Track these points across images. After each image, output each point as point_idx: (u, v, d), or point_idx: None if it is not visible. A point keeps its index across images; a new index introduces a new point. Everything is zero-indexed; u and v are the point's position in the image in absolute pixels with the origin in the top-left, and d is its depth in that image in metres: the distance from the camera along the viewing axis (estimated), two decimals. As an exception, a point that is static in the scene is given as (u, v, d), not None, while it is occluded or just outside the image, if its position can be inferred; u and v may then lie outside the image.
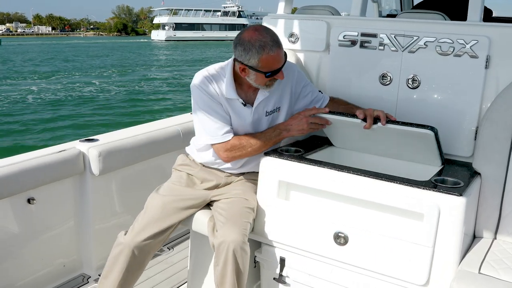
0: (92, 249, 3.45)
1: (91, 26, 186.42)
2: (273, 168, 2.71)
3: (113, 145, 3.37)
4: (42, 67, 40.00)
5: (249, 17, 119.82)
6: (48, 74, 34.55)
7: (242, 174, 2.96)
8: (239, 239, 2.56)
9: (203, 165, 2.95)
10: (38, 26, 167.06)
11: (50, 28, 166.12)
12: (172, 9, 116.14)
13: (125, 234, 2.73)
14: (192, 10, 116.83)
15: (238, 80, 2.77)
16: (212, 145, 2.78)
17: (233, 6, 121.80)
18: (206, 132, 2.76)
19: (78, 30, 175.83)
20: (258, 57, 2.56)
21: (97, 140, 3.39)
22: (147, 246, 2.69)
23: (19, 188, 2.99)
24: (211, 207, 2.89)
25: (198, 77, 2.76)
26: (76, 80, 30.96)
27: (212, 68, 2.81)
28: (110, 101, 23.05)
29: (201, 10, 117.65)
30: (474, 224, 2.68)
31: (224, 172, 2.94)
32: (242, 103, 2.78)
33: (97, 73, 34.53)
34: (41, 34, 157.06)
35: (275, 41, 2.58)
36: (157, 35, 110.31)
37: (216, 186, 2.91)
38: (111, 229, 3.48)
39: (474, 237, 2.70)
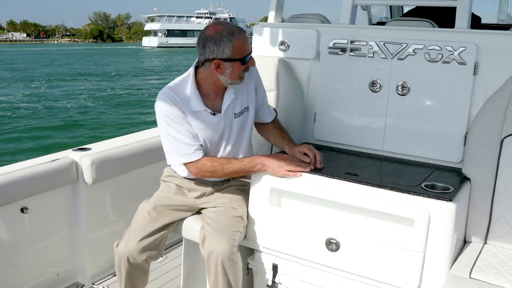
0: (86, 258, 3.45)
1: (67, 33, 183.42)
2: (264, 176, 2.73)
3: (106, 154, 3.37)
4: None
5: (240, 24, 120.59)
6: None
7: (228, 181, 2.95)
8: (227, 249, 2.54)
9: (185, 178, 2.92)
10: (12, 32, 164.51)
11: (24, 35, 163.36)
12: (164, 15, 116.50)
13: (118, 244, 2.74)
14: (183, 16, 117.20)
15: (201, 90, 2.72)
16: (183, 163, 2.76)
17: (225, 13, 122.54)
18: (175, 151, 2.74)
19: (53, 37, 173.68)
20: (230, 44, 2.54)
21: (89, 149, 3.40)
22: (142, 251, 2.68)
23: (12, 197, 2.99)
24: (201, 215, 2.89)
25: (160, 97, 2.69)
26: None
27: (173, 84, 2.75)
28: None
29: (193, 16, 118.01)
30: (464, 229, 2.70)
31: (209, 181, 2.91)
32: (211, 112, 2.74)
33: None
34: (15, 40, 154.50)
35: (238, 27, 2.61)
36: (149, 42, 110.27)
37: (203, 195, 2.91)
38: (104, 238, 3.49)
39: (465, 242, 2.72)
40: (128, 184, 3.65)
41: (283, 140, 2.94)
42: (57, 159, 3.22)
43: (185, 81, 2.72)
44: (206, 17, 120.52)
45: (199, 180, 2.89)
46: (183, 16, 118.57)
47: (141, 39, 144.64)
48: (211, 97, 2.76)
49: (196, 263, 3.03)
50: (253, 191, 2.79)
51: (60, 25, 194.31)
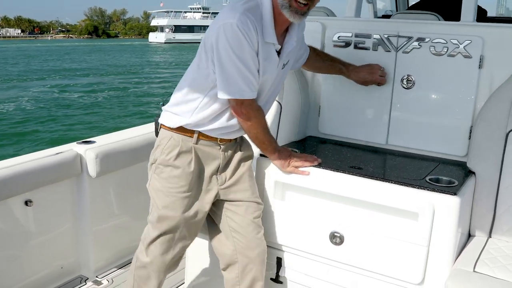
0: (90, 251, 3.46)
1: (62, 29, 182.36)
2: (269, 169, 2.73)
3: (110, 147, 3.38)
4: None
5: None
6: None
7: (236, 144, 2.69)
8: (262, 256, 2.65)
9: (200, 133, 2.53)
10: (7, 28, 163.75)
11: (19, 31, 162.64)
12: (171, 11, 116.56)
13: (145, 254, 2.61)
14: (191, 12, 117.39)
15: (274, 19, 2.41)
16: (236, 99, 2.41)
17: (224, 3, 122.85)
18: (233, 85, 2.36)
19: (48, 33, 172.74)
20: None
21: (94, 142, 3.41)
22: (172, 265, 2.66)
23: (16, 190, 3.00)
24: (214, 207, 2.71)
25: (241, 20, 2.26)
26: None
27: (248, 7, 2.33)
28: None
29: (200, 11, 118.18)
30: (469, 223, 2.70)
31: (220, 142, 2.59)
32: (276, 50, 2.47)
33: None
34: (9, 36, 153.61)
35: None
36: (156, 38, 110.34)
37: (218, 169, 2.62)
38: (109, 231, 3.50)
39: (469, 235, 2.72)
40: (132, 178, 3.65)
41: (335, 64, 2.99)
42: (61, 152, 3.23)
43: (260, 6, 2.37)
44: (203, 12, 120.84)
45: (211, 144, 2.57)
46: (180, 12, 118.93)
47: (137, 35, 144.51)
48: (277, 31, 2.45)
49: (200, 256, 3.04)
50: (258, 184, 2.79)
51: (55, 21, 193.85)
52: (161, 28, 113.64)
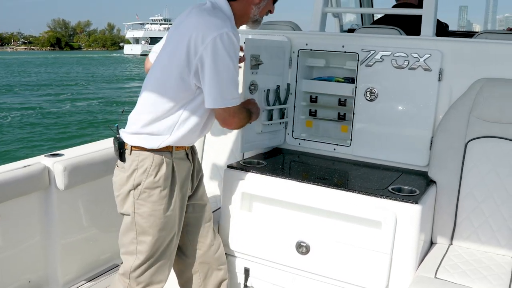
0: (58, 264, 3.43)
1: (25, 40, 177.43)
2: (236, 180, 2.77)
3: (79, 160, 3.37)
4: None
5: None
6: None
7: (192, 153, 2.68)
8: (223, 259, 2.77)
9: (176, 148, 2.50)
10: None
11: None
12: (147, 23, 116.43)
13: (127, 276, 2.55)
14: (155, 23, 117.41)
15: None
16: (224, 109, 2.40)
17: None
18: (227, 93, 2.37)
19: (9, 44, 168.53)
20: None
21: (62, 155, 3.39)
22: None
23: None
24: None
25: (232, 26, 2.39)
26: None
27: (222, 21, 2.37)
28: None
29: (159, 23, 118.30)
30: (431, 230, 2.78)
31: (187, 150, 2.60)
32: None
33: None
34: None
35: None
36: (131, 50, 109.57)
37: (191, 175, 2.64)
38: (77, 244, 3.48)
39: (432, 243, 2.80)
40: (102, 190, 3.64)
41: None
42: (29, 165, 3.20)
43: (225, 17, 2.43)
44: (161, 23, 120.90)
45: (183, 154, 2.56)
46: (143, 23, 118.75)
47: (101, 47, 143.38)
48: None
49: None
50: (225, 195, 2.83)
51: (17, 32, 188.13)
52: (136, 40, 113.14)
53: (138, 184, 2.44)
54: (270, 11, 2.62)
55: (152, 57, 2.83)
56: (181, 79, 2.37)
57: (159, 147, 2.42)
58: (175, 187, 2.50)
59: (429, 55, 2.90)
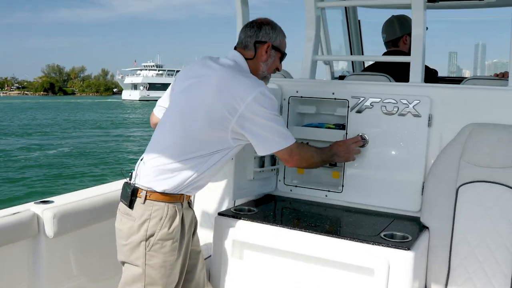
0: (46, 314, 3.36)
1: (19, 85, 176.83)
2: (227, 228, 2.75)
3: (69, 207, 3.34)
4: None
5: None
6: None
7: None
8: None
9: (186, 197, 2.54)
10: None
11: None
12: (152, 66, 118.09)
13: None
14: (145, 69, 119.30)
15: None
16: (289, 147, 2.51)
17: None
18: (280, 136, 2.49)
19: (2, 89, 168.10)
20: (282, 35, 2.70)
21: (52, 202, 3.37)
22: None
23: None
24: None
25: (268, 90, 2.49)
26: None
27: (244, 72, 2.59)
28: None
29: (173, 70, 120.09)
30: (425, 277, 2.75)
31: (188, 200, 2.63)
32: None
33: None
34: None
35: None
36: (130, 95, 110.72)
37: (193, 225, 2.70)
38: (66, 293, 3.42)
39: None
40: (92, 238, 3.60)
41: None
42: (18, 212, 3.18)
43: (245, 71, 2.63)
44: (152, 70, 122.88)
45: (187, 201, 2.59)
46: (136, 70, 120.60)
47: (94, 92, 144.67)
48: None
49: None
50: (216, 243, 2.80)
51: (11, 77, 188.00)
52: (134, 86, 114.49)
53: (151, 235, 2.42)
54: (278, 69, 2.78)
55: (158, 112, 2.85)
56: (216, 134, 2.45)
57: (180, 189, 2.45)
58: (184, 237, 2.51)
59: (418, 101, 2.93)
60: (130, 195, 2.46)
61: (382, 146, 3.07)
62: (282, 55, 2.73)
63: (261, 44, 2.64)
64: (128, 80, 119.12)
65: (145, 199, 2.43)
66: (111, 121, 50.35)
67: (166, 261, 2.43)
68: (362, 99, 3.09)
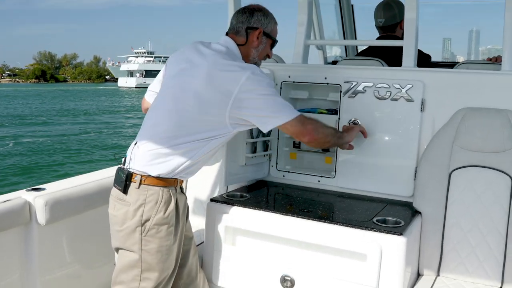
0: (39, 302, 3.36)
1: (10, 73, 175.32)
2: (219, 214, 2.74)
3: (61, 194, 3.33)
4: None
5: None
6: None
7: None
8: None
9: (180, 181, 2.53)
10: None
11: None
12: (143, 53, 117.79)
13: None
14: (161, 57, 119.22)
15: None
16: (297, 117, 2.46)
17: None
18: (284, 109, 2.45)
19: None
20: (273, 22, 2.69)
21: (44, 189, 3.35)
22: None
23: None
24: None
25: (261, 71, 2.50)
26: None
27: (235, 58, 2.57)
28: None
29: (166, 57, 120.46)
30: (417, 262, 2.75)
31: (181, 184, 2.62)
32: None
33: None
34: None
35: None
36: (126, 82, 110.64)
37: (186, 209, 2.68)
38: (59, 281, 3.41)
39: (418, 274, 2.77)
40: (85, 224, 3.59)
41: None
42: (10, 200, 3.16)
43: (235, 55, 2.62)
44: (145, 56, 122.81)
45: (179, 187, 2.57)
46: (128, 56, 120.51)
47: (87, 79, 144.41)
48: None
49: None
50: (208, 229, 2.79)
51: (2, 64, 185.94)
52: (130, 73, 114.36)
53: (147, 220, 2.41)
54: (268, 56, 2.76)
55: (149, 97, 2.83)
56: (212, 120, 2.43)
57: (175, 173, 2.44)
58: (179, 221, 2.50)
59: (411, 85, 2.92)
60: (125, 180, 2.44)
61: (374, 131, 3.05)
62: (273, 42, 2.73)
63: (253, 30, 2.62)
64: (124, 67, 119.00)
65: (140, 183, 2.41)
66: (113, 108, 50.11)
67: (162, 245, 2.42)
68: (354, 83, 3.07)
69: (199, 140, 2.43)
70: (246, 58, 2.64)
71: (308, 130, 2.48)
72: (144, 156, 2.44)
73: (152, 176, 2.41)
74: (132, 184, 2.43)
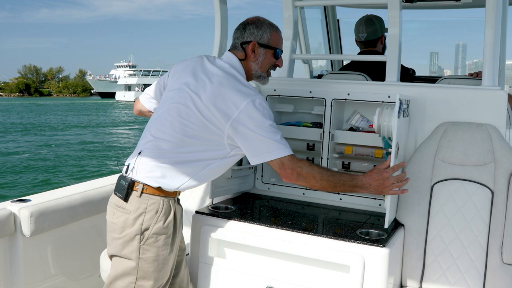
0: (23, 314, 3.34)
1: None
2: (204, 226, 2.76)
3: (46, 205, 3.32)
4: None
5: None
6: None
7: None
8: None
9: (178, 193, 2.58)
10: None
11: None
12: (125, 66, 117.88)
13: None
14: (141, 70, 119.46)
15: None
16: (280, 158, 2.43)
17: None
18: (272, 146, 2.43)
19: None
20: (270, 31, 2.64)
21: (29, 200, 3.35)
22: None
23: None
24: None
25: (262, 100, 2.48)
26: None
27: (240, 78, 2.57)
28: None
29: (149, 70, 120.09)
30: (400, 273, 2.79)
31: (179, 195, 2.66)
32: None
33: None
34: None
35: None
36: (124, 96, 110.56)
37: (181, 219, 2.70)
38: (44, 292, 3.40)
39: (401, 286, 2.80)
40: (70, 236, 3.59)
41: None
42: None
43: (239, 73, 2.61)
44: (130, 68, 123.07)
45: (178, 197, 2.62)
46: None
47: (72, 93, 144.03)
48: None
49: None
50: (193, 241, 2.81)
51: None
52: (128, 87, 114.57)
53: (146, 229, 2.44)
54: (278, 65, 2.74)
55: (144, 99, 2.87)
56: (212, 139, 2.48)
57: (177, 189, 2.49)
58: (176, 232, 2.54)
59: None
60: (126, 188, 2.46)
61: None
62: (275, 51, 2.69)
63: (247, 44, 2.64)
64: (123, 81, 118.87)
65: (142, 192, 2.44)
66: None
67: (159, 255, 2.45)
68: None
69: (201, 160, 2.48)
70: (248, 73, 2.67)
71: (286, 174, 2.46)
72: (146, 167, 2.47)
73: (153, 187, 2.45)
74: (133, 192, 2.46)
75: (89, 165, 21.57)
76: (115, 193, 2.53)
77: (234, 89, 2.46)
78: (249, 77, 2.70)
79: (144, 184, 2.44)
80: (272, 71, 2.76)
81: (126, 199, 2.46)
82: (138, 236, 2.43)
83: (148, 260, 2.44)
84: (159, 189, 2.45)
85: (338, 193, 3.12)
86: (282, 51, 2.73)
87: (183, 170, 2.47)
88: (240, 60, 2.64)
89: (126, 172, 2.52)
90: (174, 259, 2.59)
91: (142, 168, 2.47)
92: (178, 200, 2.63)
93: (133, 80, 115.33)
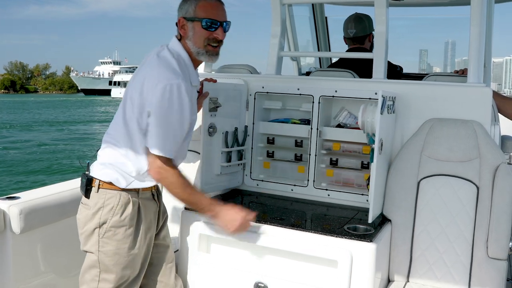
0: (13, 312, 3.34)
1: None
2: (193, 222, 2.78)
3: (36, 203, 3.32)
4: None
5: None
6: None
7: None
8: None
9: (142, 189, 2.57)
10: None
11: None
12: (109, 62, 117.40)
13: None
14: (115, 66, 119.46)
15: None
16: (156, 155, 2.43)
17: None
18: (158, 141, 2.42)
19: None
20: (195, 3, 2.48)
21: (18, 197, 3.34)
22: None
23: None
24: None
25: (183, 78, 2.42)
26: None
27: (171, 60, 2.47)
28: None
29: (132, 67, 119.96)
30: (387, 268, 2.82)
31: (153, 190, 2.67)
32: (197, 90, 2.68)
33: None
34: None
35: None
36: (120, 93, 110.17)
37: (156, 215, 2.70)
38: (33, 290, 3.40)
39: (389, 281, 2.84)
40: (60, 234, 3.58)
41: None
42: None
43: (178, 53, 2.54)
44: (110, 67, 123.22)
45: (148, 194, 2.63)
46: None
47: (58, 90, 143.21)
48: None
49: None
50: (182, 237, 2.83)
51: None
52: (124, 84, 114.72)
53: (104, 223, 2.47)
54: (216, 38, 2.54)
55: None
56: (138, 124, 2.48)
57: (126, 187, 2.50)
58: (140, 226, 2.54)
59: None
60: (85, 185, 2.53)
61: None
62: (201, 22, 2.49)
63: (178, 23, 2.56)
64: (118, 77, 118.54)
65: (98, 187, 2.50)
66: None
67: (120, 248, 2.48)
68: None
69: (138, 150, 2.51)
70: (189, 52, 2.56)
71: (152, 171, 2.48)
72: (97, 163, 2.56)
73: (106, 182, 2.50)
74: (92, 188, 2.52)
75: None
76: (80, 191, 2.59)
77: (156, 71, 2.44)
78: (192, 57, 2.58)
79: (100, 180, 2.50)
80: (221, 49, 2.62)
81: (87, 195, 2.54)
82: (97, 229, 2.48)
83: (108, 254, 2.48)
84: (111, 183, 2.50)
85: (326, 189, 3.16)
86: (215, 21, 2.51)
87: (118, 162, 2.52)
88: (180, 41, 2.57)
89: (87, 170, 2.59)
90: (145, 254, 2.60)
91: (95, 164, 2.56)
92: (154, 195, 2.65)
93: (128, 77, 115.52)
